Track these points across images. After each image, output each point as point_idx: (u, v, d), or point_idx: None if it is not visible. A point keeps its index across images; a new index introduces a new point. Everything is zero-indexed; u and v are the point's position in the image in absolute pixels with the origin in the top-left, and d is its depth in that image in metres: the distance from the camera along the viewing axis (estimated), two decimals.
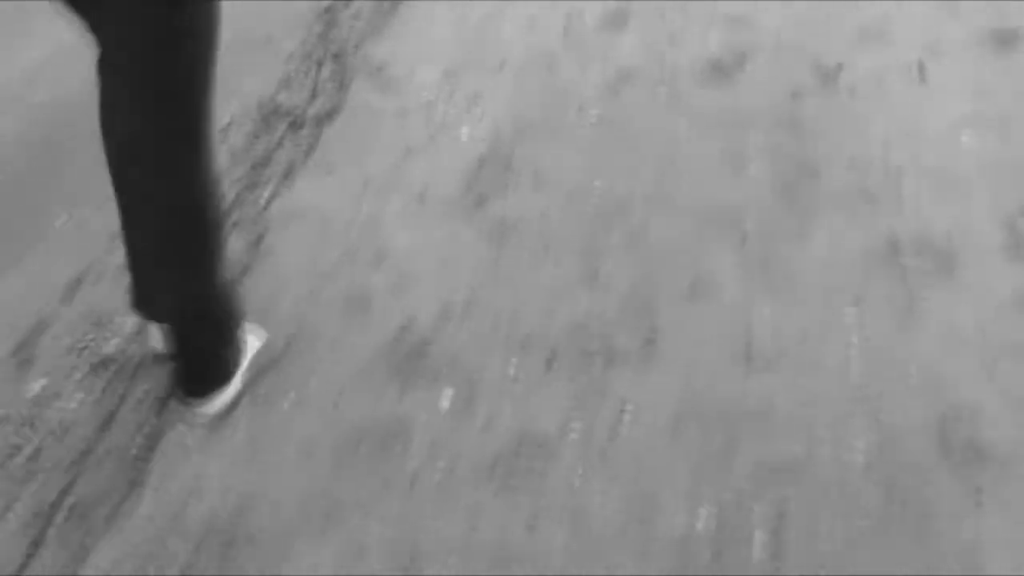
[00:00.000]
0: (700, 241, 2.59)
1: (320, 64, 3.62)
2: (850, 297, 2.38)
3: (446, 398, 2.22)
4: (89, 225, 2.76)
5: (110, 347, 2.46)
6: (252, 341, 2.30)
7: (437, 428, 2.16)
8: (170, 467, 2.15)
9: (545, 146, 3.01)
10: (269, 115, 3.33)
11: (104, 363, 2.42)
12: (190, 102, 1.86)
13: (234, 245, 2.63)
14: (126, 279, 2.64)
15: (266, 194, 2.93)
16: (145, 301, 2.10)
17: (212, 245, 2.06)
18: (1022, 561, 1.84)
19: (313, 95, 3.42)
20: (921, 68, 3.23)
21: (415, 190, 2.87)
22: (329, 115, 3.29)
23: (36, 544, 2.03)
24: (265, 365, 2.31)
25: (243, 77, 3.34)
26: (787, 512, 1.94)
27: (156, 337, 2.29)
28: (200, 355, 2.20)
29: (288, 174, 3.02)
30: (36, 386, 2.34)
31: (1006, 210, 2.62)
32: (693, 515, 1.95)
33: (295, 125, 3.28)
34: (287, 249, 2.68)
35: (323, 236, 2.72)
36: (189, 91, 1.84)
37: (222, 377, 2.22)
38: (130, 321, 2.53)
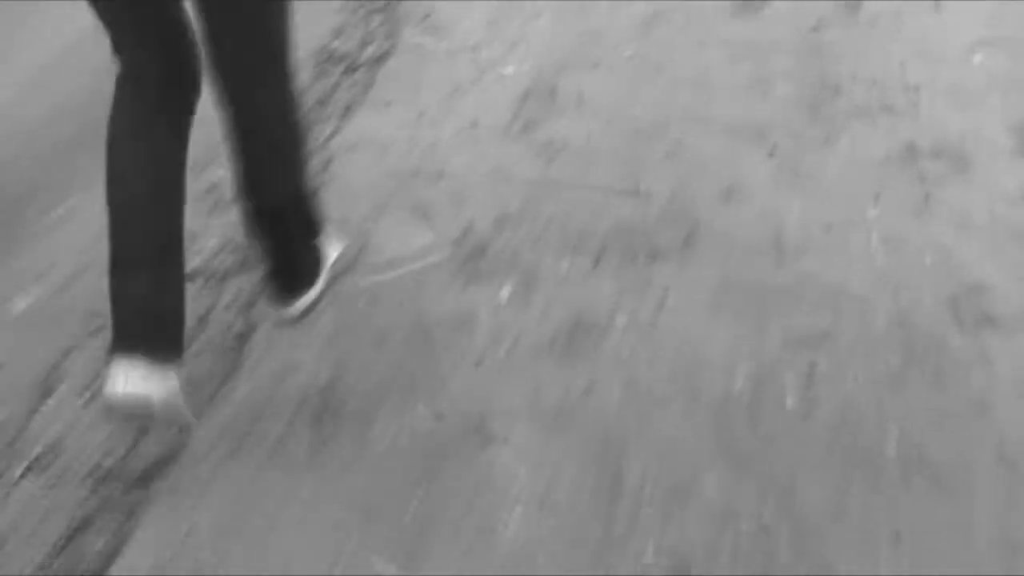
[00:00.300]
0: (733, 153, 2.82)
1: (369, 14, 3.87)
2: (871, 194, 2.61)
3: (505, 291, 2.46)
4: None
5: (196, 262, 2.72)
6: (331, 248, 2.55)
7: (499, 316, 2.40)
8: (262, 356, 2.40)
9: (586, 78, 3.25)
10: (325, 61, 3.58)
11: (192, 275, 2.67)
12: (280, 32, 2.14)
13: None
14: (207, 203, 2.93)
15: (329, 128, 3.18)
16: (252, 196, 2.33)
17: (301, 150, 2.32)
18: None
19: (365, 42, 3.67)
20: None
21: (467, 119, 3.11)
22: (382, 58, 3.54)
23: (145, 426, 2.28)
24: (342, 269, 2.56)
25: (296, 28, 3.58)
26: (816, 371, 2.17)
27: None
28: (289, 260, 2.44)
29: (348, 111, 3.26)
30: None
31: (1015, 118, 2.83)
32: (731, 377, 2.19)
33: (350, 69, 3.52)
34: (352, 172, 2.93)
35: (384, 160, 2.97)
36: (278, 25, 2.13)
37: (308, 280, 2.47)
38: (213, 240, 2.80)
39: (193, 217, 2.81)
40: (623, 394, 2.19)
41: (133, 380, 2.04)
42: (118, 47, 2.09)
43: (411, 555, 1.92)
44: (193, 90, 2.17)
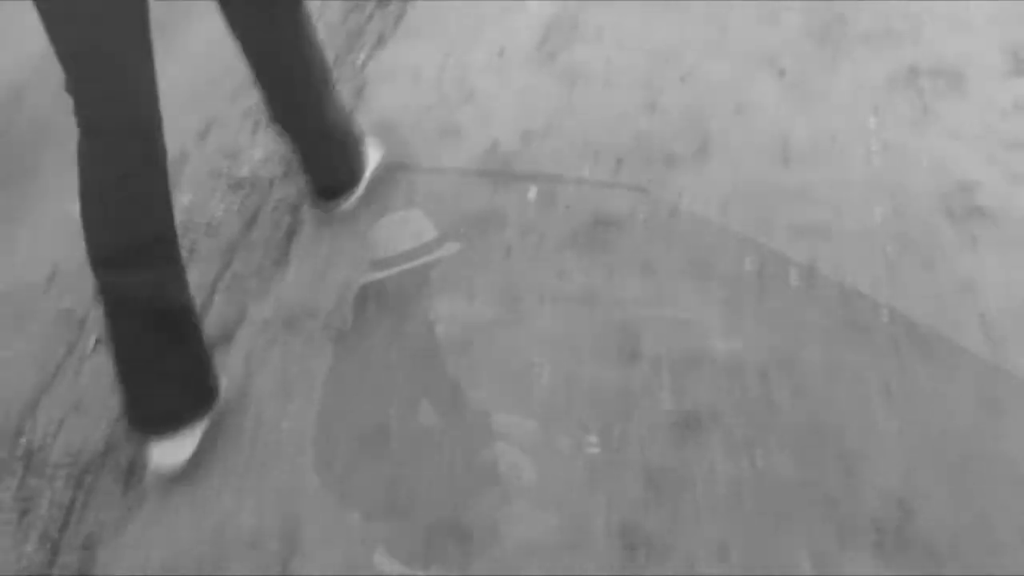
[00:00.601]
0: (744, 76, 3.01)
1: None
2: (872, 108, 2.80)
3: (532, 194, 2.67)
4: (215, 83, 3.22)
5: (243, 172, 2.93)
6: (372, 155, 2.75)
7: (526, 214, 2.61)
8: (308, 249, 2.61)
9: (606, 13, 3.43)
10: None
11: (240, 184, 2.89)
12: None
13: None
14: (251, 122, 3.13)
15: (362, 57, 3.38)
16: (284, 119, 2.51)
17: (326, 77, 2.48)
18: (1009, 287, 2.28)
19: None
20: None
21: (494, 48, 3.30)
22: None
23: (205, 306, 2.49)
24: (381, 176, 2.77)
25: None
26: (817, 256, 2.38)
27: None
28: (332, 165, 2.64)
29: (380, 41, 3.46)
30: (184, 199, 2.81)
31: (1012, 43, 3.01)
32: (740, 263, 2.39)
33: (383, 2, 3.72)
34: (386, 96, 3.13)
35: (416, 85, 3.17)
36: None
37: (350, 182, 2.67)
38: (259, 152, 3.01)
39: (238, 134, 3.05)
40: (641, 277, 2.40)
41: (168, 459, 2.11)
42: (78, 78, 1.91)
43: (452, 402, 2.13)
44: (158, 130, 2.06)
